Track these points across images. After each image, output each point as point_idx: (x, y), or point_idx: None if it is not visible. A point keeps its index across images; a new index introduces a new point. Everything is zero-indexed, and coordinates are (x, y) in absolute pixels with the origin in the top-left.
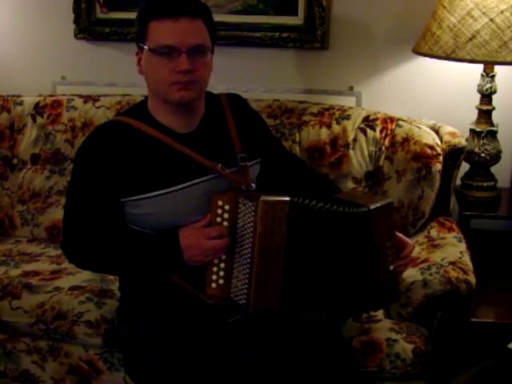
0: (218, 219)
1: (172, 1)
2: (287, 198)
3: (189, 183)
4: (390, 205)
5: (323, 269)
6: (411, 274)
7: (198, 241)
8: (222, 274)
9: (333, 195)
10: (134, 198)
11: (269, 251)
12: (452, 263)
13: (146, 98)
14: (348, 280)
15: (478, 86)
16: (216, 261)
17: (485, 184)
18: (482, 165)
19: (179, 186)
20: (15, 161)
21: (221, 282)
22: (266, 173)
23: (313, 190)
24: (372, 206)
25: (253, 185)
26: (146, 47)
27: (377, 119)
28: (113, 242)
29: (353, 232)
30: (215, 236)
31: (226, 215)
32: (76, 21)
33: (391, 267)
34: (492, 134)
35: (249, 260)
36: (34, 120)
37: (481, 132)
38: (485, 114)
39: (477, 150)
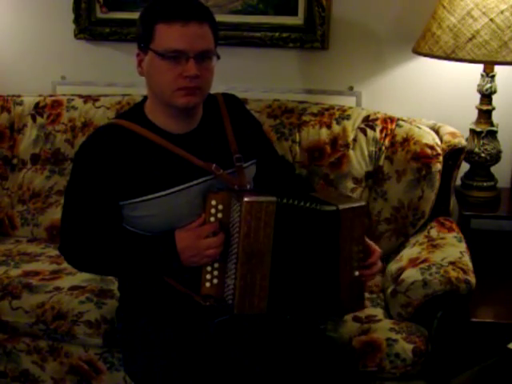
0: (212, 218)
1: (181, 4)
2: (273, 199)
3: (187, 185)
4: (362, 208)
5: (298, 270)
6: (411, 273)
7: (194, 241)
8: (216, 273)
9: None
10: (133, 200)
11: (254, 252)
12: (452, 263)
13: (143, 99)
14: (312, 282)
15: (478, 86)
16: None
17: (485, 184)
18: (482, 165)
19: (177, 188)
20: (15, 161)
21: (215, 281)
22: (259, 174)
23: (297, 193)
24: (341, 206)
25: (248, 185)
26: (151, 50)
27: (377, 119)
28: (110, 245)
29: (320, 231)
30: (209, 233)
31: (219, 215)
32: (76, 21)
33: (356, 273)
34: (492, 134)
35: (236, 260)
36: (34, 120)
37: (481, 132)
38: (485, 114)
39: (477, 150)
